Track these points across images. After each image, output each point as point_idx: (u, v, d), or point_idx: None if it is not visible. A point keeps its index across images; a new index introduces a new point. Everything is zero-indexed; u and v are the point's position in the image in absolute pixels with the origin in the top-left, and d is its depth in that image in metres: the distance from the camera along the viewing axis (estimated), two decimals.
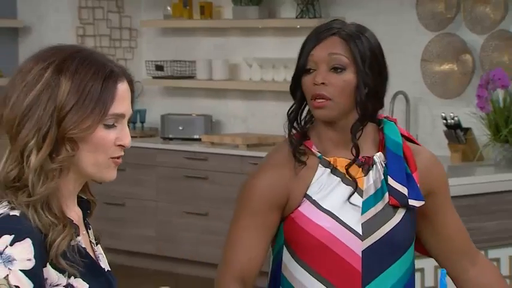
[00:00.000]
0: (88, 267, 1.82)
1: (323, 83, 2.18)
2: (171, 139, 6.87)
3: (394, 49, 6.28)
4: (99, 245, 1.92)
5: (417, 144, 2.34)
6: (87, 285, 1.81)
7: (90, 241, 1.90)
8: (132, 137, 6.75)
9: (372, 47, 2.23)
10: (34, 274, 1.73)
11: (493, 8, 5.85)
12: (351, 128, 2.21)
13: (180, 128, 6.87)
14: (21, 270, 1.72)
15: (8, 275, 1.71)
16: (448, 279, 2.36)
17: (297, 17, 6.50)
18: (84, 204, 1.91)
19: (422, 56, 6.06)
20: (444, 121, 5.79)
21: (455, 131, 5.76)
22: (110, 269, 1.92)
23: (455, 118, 5.75)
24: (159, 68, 7.12)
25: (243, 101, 6.92)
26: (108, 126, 1.80)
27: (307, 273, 2.23)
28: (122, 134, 1.82)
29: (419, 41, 6.07)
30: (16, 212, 1.76)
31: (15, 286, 1.71)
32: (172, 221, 6.59)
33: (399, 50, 6.21)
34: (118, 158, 1.83)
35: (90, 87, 1.78)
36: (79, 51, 1.81)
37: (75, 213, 1.86)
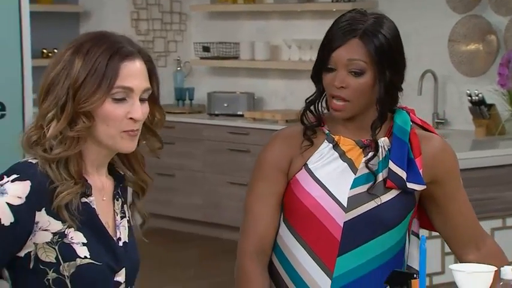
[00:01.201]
0: (91, 227, 1.85)
1: (342, 87, 2.16)
2: (216, 115, 6.87)
3: (423, 31, 6.22)
4: (124, 219, 1.93)
5: (433, 132, 2.27)
6: (86, 241, 1.84)
7: (115, 212, 1.92)
8: (181, 113, 6.85)
9: (389, 41, 2.18)
10: (18, 211, 1.78)
11: None
12: (371, 125, 2.18)
13: (225, 104, 6.88)
14: (7, 203, 1.77)
15: None
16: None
17: (332, 1, 6.44)
18: (119, 178, 1.94)
19: (449, 36, 5.99)
20: (469, 98, 5.73)
21: (479, 107, 5.68)
22: (127, 241, 1.93)
23: (480, 95, 5.68)
24: (206, 49, 7.12)
25: (283, 80, 6.91)
26: (117, 100, 1.84)
27: (292, 236, 2.22)
28: (133, 108, 1.84)
29: (447, 23, 5.99)
30: (34, 161, 1.83)
31: None
32: (217, 190, 6.61)
33: (428, 32, 6.15)
34: (132, 131, 1.85)
35: (97, 64, 1.82)
36: (100, 35, 1.88)
37: (99, 181, 1.90)
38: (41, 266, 1.80)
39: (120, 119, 1.83)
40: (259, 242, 2.21)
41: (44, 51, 7.14)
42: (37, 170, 1.81)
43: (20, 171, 1.80)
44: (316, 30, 6.60)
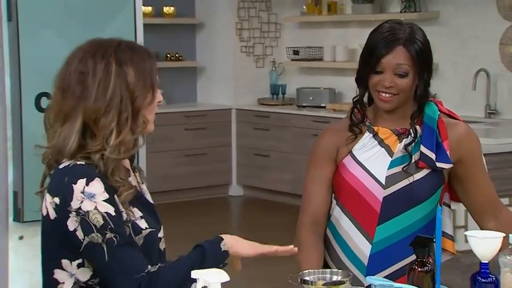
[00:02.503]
0: (138, 201, 1.83)
1: (391, 87, 2.13)
2: (303, 107, 6.83)
3: (478, 35, 6.05)
4: (144, 184, 1.90)
5: (458, 119, 2.22)
6: (142, 214, 1.81)
7: (138, 182, 1.89)
8: (274, 105, 6.93)
9: (424, 45, 2.15)
10: (112, 201, 1.74)
11: None
12: (411, 116, 2.15)
13: (311, 98, 6.84)
14: (103, 200, 1.72)
15: (96, 206, 1.71)
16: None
17: (401, 12, 6.31)
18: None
19: (501, 40, 5.80)
20: None
21: None
22: (153, 202, 1.90)
23: None
24: (296, 52, 7.11)
25: None
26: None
27: (340, 210, 2.21)
28: (159, 95, 1.81)
29: (498, 29, 5.81)
30: (82, 162, 1.75)
31: (105, 212, 1.71)
32: (304, 168, 6.56)
33: (482, 36, 5.97)
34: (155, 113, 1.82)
35: (145, 69, 1.76)
36: (120, 43, 1.78)
37: (126, 163, 1.86)
38: None
39: (155, 107, 1.81)
40: (313, 215, 2.20)
41: (168, 55, 7.28)
42: (93, 168, 1.74)
43: (84, 174, 1.72)
44: None
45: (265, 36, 7.40)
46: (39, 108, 2.80)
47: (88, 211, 1.71)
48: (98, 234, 1.71)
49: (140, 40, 2.88)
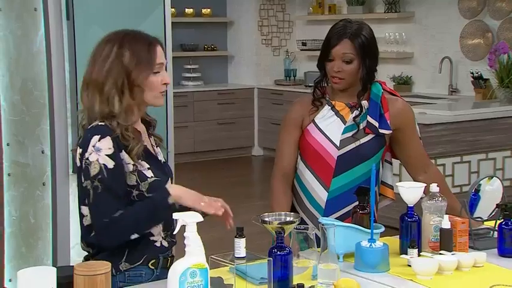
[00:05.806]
0: (147, 156, 1.82)
1: (339, 71, 2.10)
2: (310, 86, 6.68)
3: (444, 30, 5.92)
4: (158, 147, 1.90)
5: (397, 96, 2.19)
6: (148, 166, 1.81)
7: (152, 144, 1.88)
8: (287, 85, 6.85)
9: (368, 40, 2.09)
10: (114, 156, 1.74)
11: (507, 3, 5.40)
12: (357, 94, 2.12)
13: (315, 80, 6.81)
14: (105, 155, 1.72)
15: (98, 158, 1.72)
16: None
17: (385, 12, 6.22)
18: (147, 123, 1.90)
19: (461, 34, 5.69)
20: (472, 74, 5.45)
21: (478, 81, 5.41)
22: (164, 160, 1.89)
23: (479, 73, 5.39)
24: (304, 44, 7.03)
25: None
26: (155, 73, 1.79)
27: (304, 166, 2.18)
28: (164, 77, 1.80)
29: (459, 25, 5.69)
30: (102, 123, 1.77)
31: (103, 164, 1.72)
32: None
33: (447, 31, 5.85)
34: (164, 91, 1.81)
35: (141, 53, 1.77)
36: (129, 33, 1.79)
37: (140, 127, 1.86)
38: (128, 188, 1.77)
39: (159, 85, 1.79)
40: (284, 169, 2.19)
41: (205, 46, 7.25)
42: (108, 128, 1.75)
43: (99, 132, 1.74)
44: (375, 31, 6.37)
45: (280, 31, 7.32)
46: None
47: (92, 161, 1.73)
48: (89, 181, 1.72)
49: (168, 33, 2.82)
